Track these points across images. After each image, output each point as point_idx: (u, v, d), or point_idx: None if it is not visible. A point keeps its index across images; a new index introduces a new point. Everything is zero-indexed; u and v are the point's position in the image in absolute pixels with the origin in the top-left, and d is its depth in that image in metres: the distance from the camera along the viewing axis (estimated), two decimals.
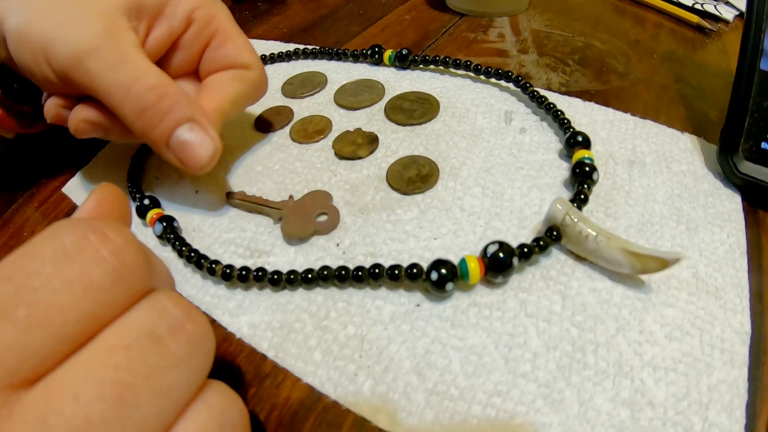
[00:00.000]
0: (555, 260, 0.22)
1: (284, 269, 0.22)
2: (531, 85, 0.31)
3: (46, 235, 0.12)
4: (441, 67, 0.34)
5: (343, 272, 0.21)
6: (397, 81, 0.33)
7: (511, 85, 0.32)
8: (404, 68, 0.35)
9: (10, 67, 0.25)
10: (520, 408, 0.18)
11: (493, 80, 0.33)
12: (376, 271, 0.21)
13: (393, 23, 0.42)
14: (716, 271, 0.22)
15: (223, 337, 0.21)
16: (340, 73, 0.35)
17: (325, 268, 0.21)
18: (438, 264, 0.20)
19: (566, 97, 0.32)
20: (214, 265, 0.22)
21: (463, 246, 0.23)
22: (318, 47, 0.37)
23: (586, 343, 0.19)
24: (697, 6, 0.49)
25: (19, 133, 0.31)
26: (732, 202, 0.25)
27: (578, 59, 0.38)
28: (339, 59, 0.37)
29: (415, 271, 0.20)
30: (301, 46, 0.38)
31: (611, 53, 0.39)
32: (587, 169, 0.25)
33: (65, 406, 0.10)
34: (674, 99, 0.34)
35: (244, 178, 0.27)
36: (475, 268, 0.20)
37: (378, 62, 0.35)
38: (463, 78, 0.34)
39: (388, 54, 0.35)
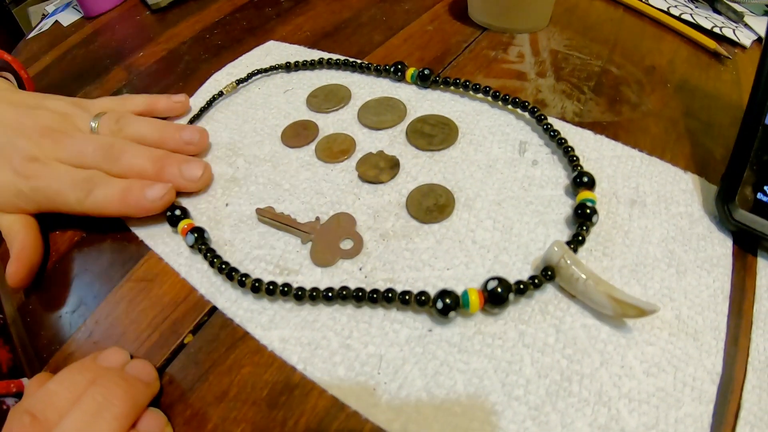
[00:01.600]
0: (552, 296, 0.26)
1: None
2: (545, 117, 0.34)
3: None
4: (461, 89, 0.38)
5: (360, 293, 0.25)
6: (418, 101, 0.37)
7: (526, 114, 0.36)
8: (425, 87, 0.38)
9: None
10: (512, 426, 0.22)
11: (509, 107, 0.37)
12: (389, 295, 0.25)
13: (415, 34, 0.45)
14: (698, 314, 0.26)
15: (256, 348, 0.25)
16: (363, 87, 0.39)
17: (344, 288, 0.25)
18: (444, 294, 0.25)
19: (579, 129, 0.36)
20: (244, 278, 0.26)
21: (473, 278, 0.27)
22: (342, 58, 0.40)
23: (573, 373, 0.23)
24: (716, 30, 0.52)
25: None
26: (723, 247, 0.29)
27: (593, 86, 0.41)
28: (362, 72, 0.40)
29: (423, 298, 0.25)
30: (326, 56, 0.41)
31: (626, 80, 0.43)
32: (588, 211, 0.28)
33: None
34: (681, 134, 0.37)
35: (272, 194, 0.31)
36: (475, 300, 0.24)
37: (401, 79, 0.39)
38: (482, 102, 0.37)
39: (410, 72, 0.38)
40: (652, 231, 0.29)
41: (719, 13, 0.58)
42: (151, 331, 0.27)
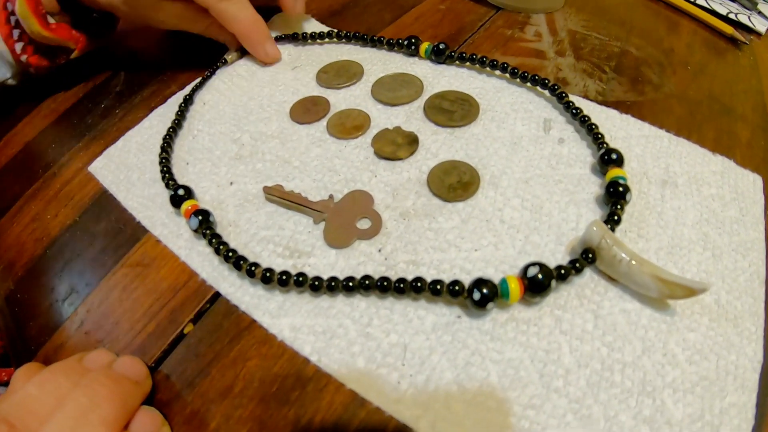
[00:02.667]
0: (589, 279, 0.24)
1: (325, 272, 0.24)
2: (566, 95, 0.32)
3: None
4: (477, 66, 0.35)
5: (386, 283, 0.23)
6: (435, 78, 0.35)
7: (547, 92, 0.34)
8: (440, 63, 0.36)
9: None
10: (551, 421, 0.20)
11: (529, 85, 0.34)
12: (419, 284, 0.22)
13: (427, 13, 0.42)
14: (736, 298, 0.24)
15: (263, 338, 0.23)
16: (375, 64, 0.36)
17: (366, 277, 0.23)
18: (480, 283, 0.22)
19: (604, 108, 0.34)
20: (253, 268, 0.24)
21: (503, 259, 0.24)
22: (353, 32, 0.38)
23: (614, 362, 0.21)
24: (731, 16, 0.51)
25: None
26: (756, 231, 0.27)
27: (614, 66, 0.39)
28: (374, 46, 0.38)
29: (457, 288, 0.22)
30: (335, 30, 0.38)
31: (646, 61, 0.41)
32: (621, 189, 0.26)
33: None
34: (706, 117, 0.35)
35: (281, 171, 0.29)
36: (515, 289, 0.22)
37: (414, 53, 0.36)
38: (501, 78, 0.35)
39: (424, 47, 0.36)
40: (686, 213, 0.28)
41: (733, 0, 0.56)
42: (147, 321, 0.24)
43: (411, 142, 0.29)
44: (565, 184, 0.28)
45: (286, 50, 0.38)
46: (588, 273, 0.24)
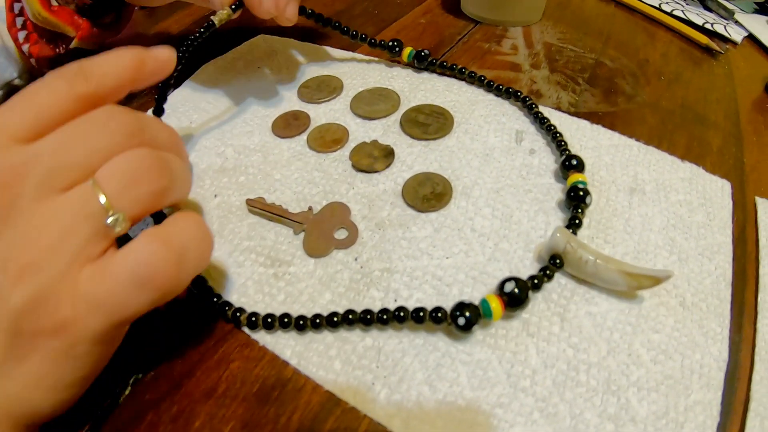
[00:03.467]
0: (556, 284, 0.25)
1: (304, 280, 0.25)
2: (536, 106, 0.34)
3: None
4: (456, 75, 0.37)
5: (368, 316, 0.23)
6: (411, 92, 0.36)
7: (520, 104, 0.35)
8: (421, 69, 0.37)
9: None
10: (519, 419, 0.21)
11: (503, 97, 0.36)
12: (401, 314, 0.23)
13: (409, 26, 0.44)
14: (702, 300, 0.25)
15: (246, 342, 0.24)
16: (355, 78, 0.38)
17: (350, 312, 0.23)
18: (462, 307, 0.23)
19: (575, 119, 0.35)
20: (238, 314, 0.24)
21: (473, 266, 0.26)
22: (342, 25, 0.38)
23: (580, 362, 0.23)
24: (708, 26, 0.52)
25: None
26: (723, 235, 0.28)
27: (588, 78, 0.41)
28: (360, 41, 0.38)
29: (439, 315, 0.23)
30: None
31: (621, 73, 0.43)
32: (581, 193, 0.28)
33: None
34: (678, 125, 0.37)
35: (263, 184, 0.30)
36: (497, 308, 0.23)
37: (396, 55, 0.38)
38: (476, 91, 0.36)
39: (407, 51, 0.37)
40: (653, 219, 0.29)
41: (710, 10, 0.58)
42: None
43: (387, 154, 0.31)
44: (535, 193, 0.30)
45: (266, 67, 0.40)
46: (555, 277, 0.26)
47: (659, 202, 0.30)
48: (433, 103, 0.35)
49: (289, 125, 0.33)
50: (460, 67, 0.36)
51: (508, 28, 0.45)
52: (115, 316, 0.18)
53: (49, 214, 0.18)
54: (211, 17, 0.30)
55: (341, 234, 0.27)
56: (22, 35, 0.37)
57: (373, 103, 0.35)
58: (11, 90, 0.39)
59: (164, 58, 0.23)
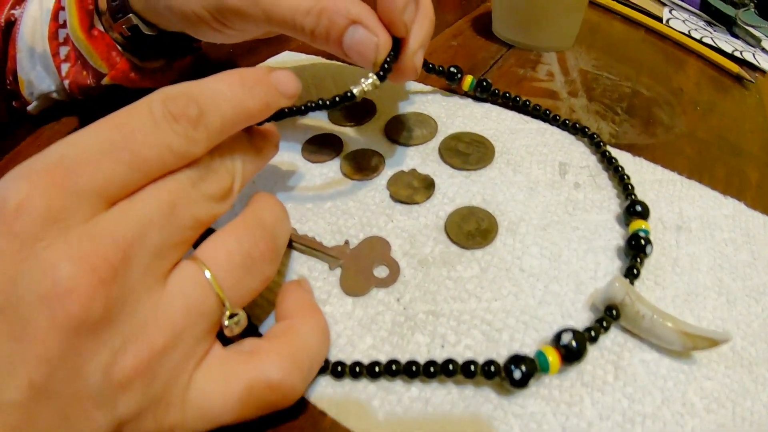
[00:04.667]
0: (610, 331, 0.24)
1: (342, 321, 0.23)
2: (604, 143, 0.32)
3: (142, 103, 0.17)
4: (508, 104, 0.36)
5: (414, 368, 0.21)
6: (449, 118, 0.34)
7: (567, 134, 0.34)
8: (482, 99, 0.36)
9: (140, 31, 0.31)
10: None
11: (546, 124, 0.34)
12: (450, 367, 0.21)
13: (439, 49, 0.43)
14: (751, 344, 0.24)
15: None
16: (389, 101, 0.36)
17: (394, 362, 0.21)
18: (516, 360, 0.21)
19: (618, 152, 0.34)
20: None
21: (524, 309, 0.24)
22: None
23: (635, 414, 0.21)
24: (737, 53, 0.51)
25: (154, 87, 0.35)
26: (767, 274, 0.27)
27: (626, 107, 0.39)
28: None
29: (492, 368, 0.21)
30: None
31: (657, 102, 0.41)
32: (642, 242, 0.26)
33: (139, 209, 0.16)
34: (716, 157, 0.36)
35: (294, 213, 0.28)
36: (554, 362, 0.21)
37: (456, 83, 0.36)
38: (514, 118, 0.35)
39: (469, 80, 0.35)
40: (700, 258, 0.27)
41: (737, 37, 0.57)
42: None
43: (427, 185, 0.29)
44: (582, 230, 0.28)
45: None
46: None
47: (705, 241, 0.28)
48: (472, 130, 0.33)
49: (320, 149, 0.32)
50: (514, 95, 0.35)
51: (542, 54, 0.44)
52: (221, 423, 0.18)
53: (157, 309, 0.16)
54: (352, 87, 0.24)
55: (381, 271, 0.25)
56: (63, 51, 0.33)
57: (410, 129, 0.33)
58: (47, 102, 0.36)
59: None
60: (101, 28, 0.32)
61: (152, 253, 0.16)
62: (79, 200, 0.15)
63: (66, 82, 0.34)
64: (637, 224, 0.27)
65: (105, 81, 0.33)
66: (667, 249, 0.28)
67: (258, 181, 0.30)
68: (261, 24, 0.25)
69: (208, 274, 0.17)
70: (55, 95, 0.35)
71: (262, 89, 0.21)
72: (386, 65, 0.25)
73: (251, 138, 0.23)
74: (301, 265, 0.26)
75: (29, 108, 0.37)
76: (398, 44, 0.26)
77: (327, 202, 0.29)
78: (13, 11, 0.35)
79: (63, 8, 0.33)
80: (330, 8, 0.24)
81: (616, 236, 0.28)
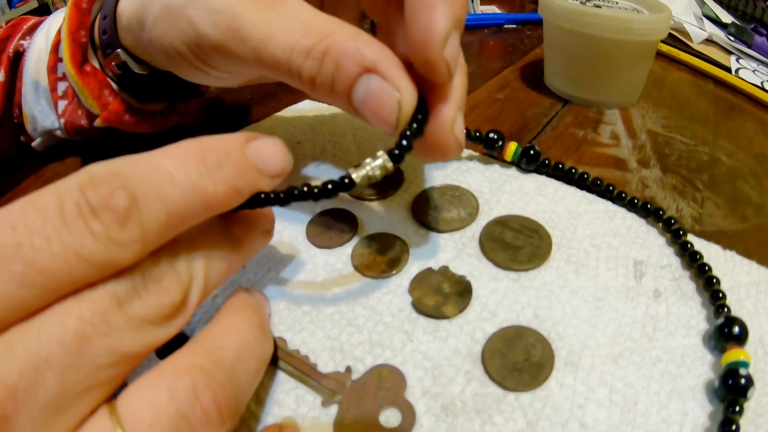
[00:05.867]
0: None
1: None
2: (684, 232, 0.25)
3: (53, 190, 0.12)
4: (557, 175, 0.28)
5: None
6: (493, 194, 0.27)
7: (638, 218, 0.26)
8: (528, 171, 0.29)
9: (131, 69, 0.26)
10: None
11: (615, 206, 0.27)
12: None
13: (483, 102, 0.36)
14: None
15: None
16: (419, 168, 0.29)
17: None
18: None
19: (704, 243, 0.26)
20: None
21: None
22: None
23: None
24: None
25: (153, 132, 0.30)
26: None
27: (707, 180, 0.31)
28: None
29: None
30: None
31: (740, 172, 0.33)
32: (742, 381, 0.18)
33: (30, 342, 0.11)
34: None
35: (287, 318, 0.21)
36: None
37: (496, 151, 0.29)
38: (575, 195, 0.27)
39: (512, 148, 0.28)
40: None
41: None
42: None
43: (462, 291, 0.21)
44: (666, 363, 0.20)
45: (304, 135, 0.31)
46: None
47: None
48: (522, 213, 0.26)
49: (329, 229, 0.24)
50: (569, 167, 0.27)
51: (603, 111, 0.36)
52: None
53: None
54: (350, 171, 0.17)
55: (391, 417, 0.18)
56: (61, 87, 0.29)
57: (444, 209, 0.25)
58: (51, 139, 0.31)
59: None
60: (96, 64, 0.28)
61: (46, 406, 0.11)
62: None
63: (61, 121, 0.29)
64: (734, 354, 0.20)
65: (97, 123, 0.28)
66: None
67: (248, 267, 0.23)
68: (250, 65, 0.19)
69: None
70: (58, 132, 0.31)
71: (230, 168, 0.15)
72: (408, 132, 0.18)
73: (225, 226, 0.17)
74: (286, 393, 0.19)
75: (33, 144, 0.32)
76: (425, 104, 0.19)
77: (329, 307, 0.21)
78: (22, 41, 0.32)
79: (61, 59, 0.28)
80: (337, 49, 0.17)
81: (706, 369, 0.20)
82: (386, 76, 0.17)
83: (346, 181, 0.17)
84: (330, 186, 0.17)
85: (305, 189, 0.17)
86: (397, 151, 0.17)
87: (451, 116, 0.19)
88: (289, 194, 0.16)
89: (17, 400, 0.11)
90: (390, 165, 0.17)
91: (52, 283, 0.12)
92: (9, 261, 0.11)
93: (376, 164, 0.17)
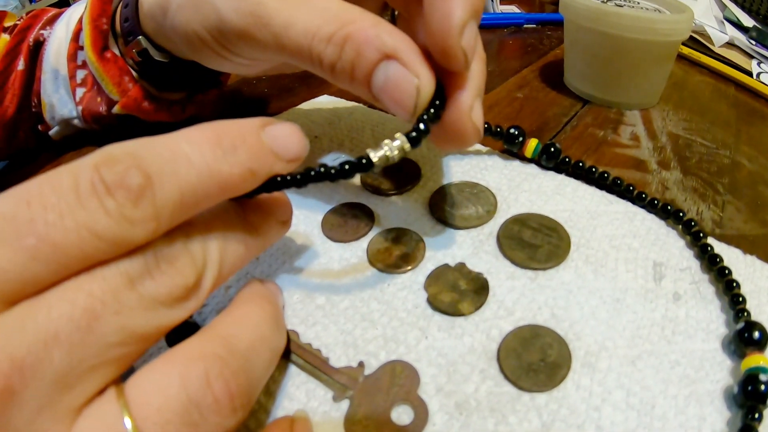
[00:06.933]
0: None
1: None
2: (705, 236, 0.24)
3: (69, 168, 0.12)
4: (577, 174, 0.27)
5: None
6: (512, 191, 0.26)
7: (658, 219, 0.25)
8: (548, 168, 0.28)
9: (152, 57, 0.26)
10: None
11: (635, 207, 0.26)
12: None
13: (502, 101, 0.35)
14: None
15: None
16: (437, 165, 0.28)
17: None
18: None
19: (724, 247, 0.25)
20: None
21: None
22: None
23: None
24: None
25: (170, 121, 0.30)
26: None
27: (728, 184, 0.30)
28: None
29: None
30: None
31: (762, 177, 0.32)
32: (762, 388, 0.17)
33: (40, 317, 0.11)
34: None
35: (300, 311, 0.20)
36: None
37: (516, 147, 0.28)
38: (595, 195, 0.26)
39: (533, 145, 0.27)
40: None
41: None
42: None
43: (479, 288, 0.21)
44: (684, 366, 0.19)
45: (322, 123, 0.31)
46: None
47: None
48: (541, 211, 0.25)
49: (345, 223, 0.24)
50: (590, 166, 0.26)
51: (623, 112, 0.35)
52: None
53: None
54: (369, 151, 0.16)
55: (403, 414, 0.17)
56: (80, 75, 0.29)
57: (462, 206, 0.25)
58: (68, 128, 0.31)
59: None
60: (116, 51, 0.28)
61: (53, 382, 0.11)
62: None
63: (79, 109, 0.29)
64: (754, 359, 0.19)
65: (116, 109, 0.28)
66: None
67: (261, 259, 0.23)
68: (271, 51, 0.19)
69: (128, 423, 0.11)
70: (76, 121, 0.31)
71: (245, 151, 0.14)
72: (426, 116, 0.17)
73: (242, 213, 0.17)
74: (297, 387, 0.18)
75: (51, 133, 0.32)
76: (443, 90, 0.18)
77: (344, 301, 0.21)
78: (42, 31, 0.32)
79: (81, 47, 0.29)
80: (357, 36, 0.17)
81: (725, 374, 0.19)
82: (405, 62, 0.17)
83: (364, 161, 0.16)
84: (347, 166, 0.16)
85: (322, 170, 0.16)
86: (414, 134, 0.17)
87: (468, 103, 0.19)
88: (306, 175, 0.16)
89: (24, 375, 0.11)
90: (408, 146, 0.17)
91: (64, 259, 0.12)
92: (22, 235, 0.11)
93: (395, 145, 0.16)
